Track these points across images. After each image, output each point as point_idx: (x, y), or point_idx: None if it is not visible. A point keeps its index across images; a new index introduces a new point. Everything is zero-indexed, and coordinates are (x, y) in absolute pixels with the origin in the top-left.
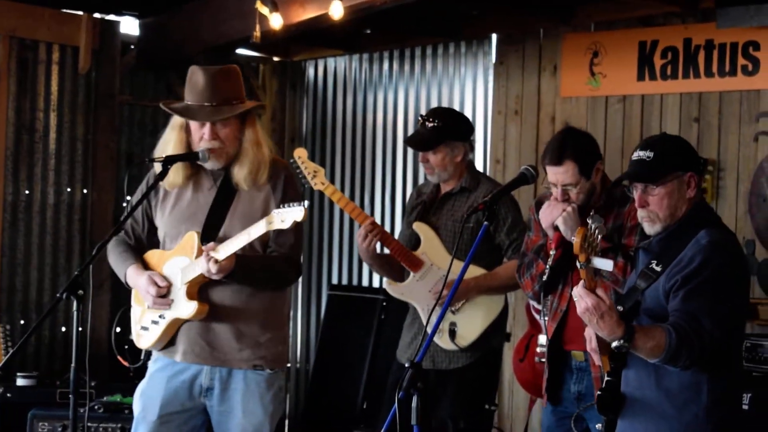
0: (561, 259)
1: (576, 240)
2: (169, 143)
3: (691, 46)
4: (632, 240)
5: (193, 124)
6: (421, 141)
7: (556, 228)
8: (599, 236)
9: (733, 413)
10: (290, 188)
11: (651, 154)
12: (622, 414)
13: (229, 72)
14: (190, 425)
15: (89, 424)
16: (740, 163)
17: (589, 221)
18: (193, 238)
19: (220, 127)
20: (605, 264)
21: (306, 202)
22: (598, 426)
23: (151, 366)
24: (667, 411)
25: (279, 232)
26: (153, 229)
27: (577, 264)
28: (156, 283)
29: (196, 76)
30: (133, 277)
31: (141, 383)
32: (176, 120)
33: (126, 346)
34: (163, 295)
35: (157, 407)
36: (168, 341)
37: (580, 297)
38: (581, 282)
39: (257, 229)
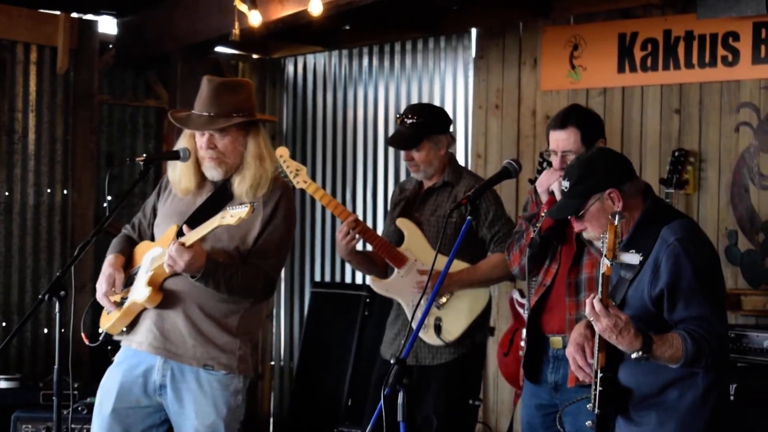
0: (551, 230)
1: (609, 237)
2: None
3: (671, 38)
4: None
5: (196, 134)
6: (403, 140)
7: (551, 194)
8: (620, 231)
9: (726, 396)
10: (280, 208)
11: (567, 185)
12: (622, 409)
13: (235, 84)
14: (147, 423)
15: (73, 425)
16: (722, 154)
17: (615, 219)
18: (172, 230)
19: (218, 138)
20: (632, 258)
21: (256, 204)
22: (588, 423)
23: (114, 360)
24: (666, 401)
25: (261, 248)
26: None
27: (606, 262)
28: (111, 283)
29: (203, 86)
30: (105, 265)
31: (103, 377)
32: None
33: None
34: (114, 301)
35: (111, 401)
36: (125, 326)
37: (597, 317)
38: (595, 298)
39: (212, 224)
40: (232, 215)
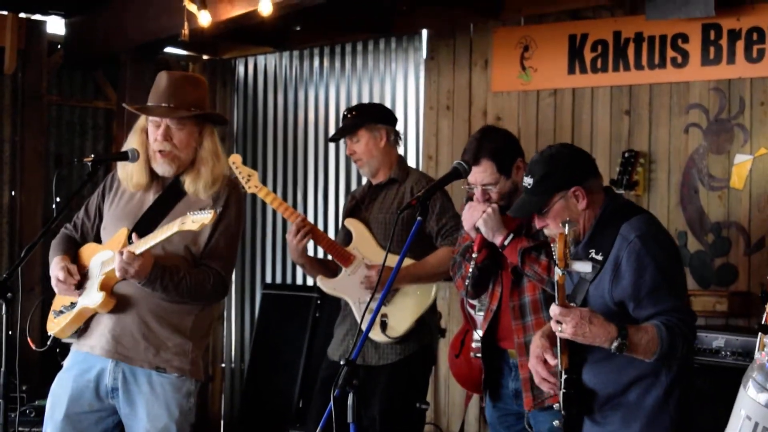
0: (488, 260)
1: (558, 246)
2: (129, 146)
3: (620, 39)
4: None
5: (150, 126)
6: (341, 130)
7: (478, 230)
8: (571, 240)
9: (689, 392)
10: (231, 206)
11: (531, 181)
12: (587, 410)
13: (194, 80)
14: (100, 427)
15: (21, 428)
16: (671, 155)
17: (565, 226)
18: (123, 234)
19: (174, 130)
20: (584, 267)
21: (219, 209)
22: (556, 423)
23: (64, 365)
24: (630, 400)
25: (212, 249)
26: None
27: (557, 270)
28: (68, 271)
29: (160, 79)
30: (53, 264)
31: (53, 383)
32: (139, 123)
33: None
34: (73, 283)
35: (63, 406)
36: (75, 330)
37: (563, 317)
38: (553, 305)
39: (170, 229)
40: (194, 221)
